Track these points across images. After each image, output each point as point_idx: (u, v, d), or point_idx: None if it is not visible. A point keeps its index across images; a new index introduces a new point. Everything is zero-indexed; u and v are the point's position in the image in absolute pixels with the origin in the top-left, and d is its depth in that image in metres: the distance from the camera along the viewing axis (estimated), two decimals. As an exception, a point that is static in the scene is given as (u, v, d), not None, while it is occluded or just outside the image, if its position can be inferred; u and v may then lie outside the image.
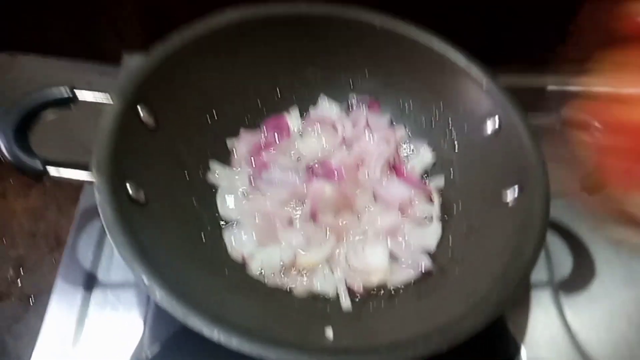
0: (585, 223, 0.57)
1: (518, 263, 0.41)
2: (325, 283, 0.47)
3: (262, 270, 0.47)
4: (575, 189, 0.39)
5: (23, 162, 0.41)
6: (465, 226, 0.50)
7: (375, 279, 0.48)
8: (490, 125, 0.51)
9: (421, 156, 0.56)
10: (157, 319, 0.46)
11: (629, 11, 0.34)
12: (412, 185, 0.53)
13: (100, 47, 0.78)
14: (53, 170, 0.42)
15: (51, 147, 0.67)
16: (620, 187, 0.34)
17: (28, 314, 0.64)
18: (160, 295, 0.36)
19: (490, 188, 0.49)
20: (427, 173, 0.56)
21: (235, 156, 0.55)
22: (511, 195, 0.47)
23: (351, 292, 0.47)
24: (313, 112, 0.58)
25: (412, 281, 0.48)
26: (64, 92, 0.45)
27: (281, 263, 0.48)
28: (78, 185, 0.45)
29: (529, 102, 0.48)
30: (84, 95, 0.46)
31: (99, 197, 0.40)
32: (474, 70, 0.51)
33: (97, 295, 0.49)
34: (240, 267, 0.48)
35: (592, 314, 0.52)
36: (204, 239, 0.48)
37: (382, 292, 0.48)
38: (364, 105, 0.58)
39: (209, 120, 0.54)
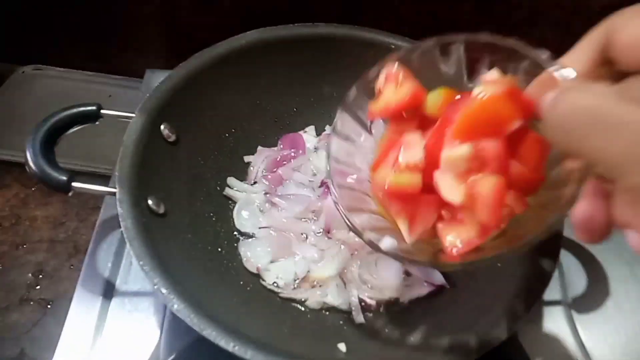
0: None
1: (531, 280, 0.42)
2: (338, 297, 0.47)
3: (277, 283, 0.48)
4: None
5: (49, 174, 0.43)
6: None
7: (388, 294, 0.48)
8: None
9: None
10: (174, 328, 0.47)
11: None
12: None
13: (124, 64, 0.80)
14: (77, 185, 0.43)
15: (76, 157, 0.69)
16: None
17: (46, 318, 0.65)
18: (177, 306, 0.37)
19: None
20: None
21: (252, 171, 0.56)
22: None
23: (364, 306, 0.47)
24: (329, 129, 0.59)
25: (425, 297, 0.48)
26: (90, 108, 0.47)
27: (295, 276, 0.48)
28: (97, 194, 0.47)
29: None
30: (109, 111, 0.47)
31: (121, 209, 0.41)
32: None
33: (115, 303, 0.50)
34: (255, 279, 0.49)
35: (606, 333, 0.52)
36: (220, 251, 0.49)
37: (395, 306, 0.48)
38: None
39: (227, 136, 0.55)
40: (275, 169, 0.55)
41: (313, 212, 0.52)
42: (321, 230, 0.51)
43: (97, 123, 0.48)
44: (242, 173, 0.56)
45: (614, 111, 0.20)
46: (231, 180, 0.54)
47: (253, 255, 0.49)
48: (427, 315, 0.47)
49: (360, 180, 0.36)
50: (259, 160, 0.56)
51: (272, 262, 0.49)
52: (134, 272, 0.52)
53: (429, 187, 0.30)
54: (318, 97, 0.59)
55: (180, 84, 0.50)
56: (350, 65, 0.56)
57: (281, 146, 0.58)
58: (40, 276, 0.68)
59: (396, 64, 0.33)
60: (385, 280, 0.48)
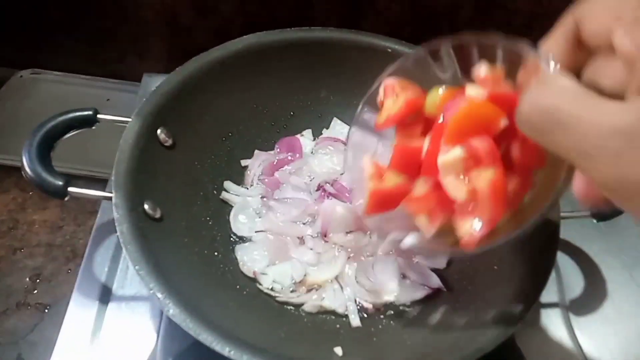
0: (598, 243, 0.56)
1: (529, 283, 0.42)
2: (335, 300, 0.47)
3: (273, 287, 0.48)
4: None
5: (45, 179, 0.43)
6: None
7: (384, 297, 0.48)
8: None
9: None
10: (170, 332, 0.47)
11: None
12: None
13: (123, 68, 0.80)
14: (74, 190, 0.43)
15: (73, 162, 0.69)
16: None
17: (44, 323, 0.65)
18: (173, 311, 0.37)
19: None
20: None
21: (249, 175, 0.56)
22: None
23: (361, 310, 0.47)
24: (326, 133, 0.59)
25: (422, 300, 0.48)
26: (87, 113, 0.47)
27: (292, 279, 0.48)
28: (95, 199, 0.47)
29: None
30: (106, 116, 0.47)
31: (117, 214, 0.41)
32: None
33: (112, 307, 0.50)
34: (252, 283, 0.49)
35: (603, 335, 0.52)
36: (217, 255, 0.49)
37: (392, 309, 0.48)
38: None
39: (224, 140, 0.55)
40: (272, 173, 0.55)
41: (310, 215, 0.52)
42: (318, 233, 0.51)
43: (93, 128, 0.48)
44: (239, 177, 0.56)
45: (569, 111, 0.22)
46: (228, 184, 0.54)
47: (250, 259, 0.49)
48: (423, 319, 0.47)
49: None
50: (255, 163, 0.56)
51: (268, 266, 0.49)
52: (131, 277, 0.52)
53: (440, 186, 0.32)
54: (315, 101, 0.59)
55: (177, 88, 0.50)
56: (347, 69, 0.57)
57: (278, 150, 0.58)
58: (38, 280, 0.68)
59: (392, 77, 0.36)
60: (382, 284, 0.48)
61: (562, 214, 0.45)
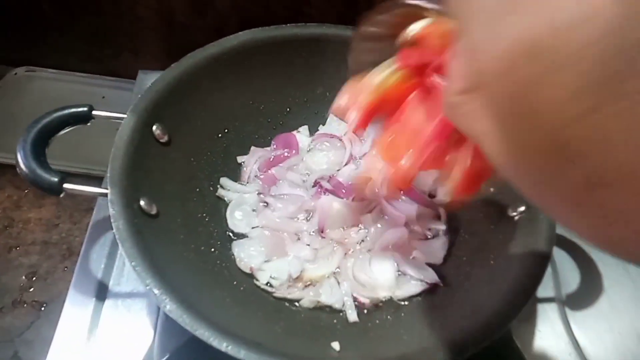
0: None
1: (524, 277, 0.42)
2: (332, 295, 0.48)
3: (270, 283, 0.48)
4: None
5: (40, 176, 0.43)
6: (472, 241, 0.51)
7: (381, 293, 0.48)
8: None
9: (428, 172, 0.57)
10: (167, 328, 0.47)
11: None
12: (419, 201, 0.54)
13: (119, 66, 0.80)
14: (69, 186, 0.43)
15: (68, 158, 0.69)
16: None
17: (40, 320, 0.65)
18: (170, 307, 0.37)
19: (496, 203, 0.49)
20: (435, 188, 0.57)
21: (245, 172, 0.56)
22: (517, 209, 0.47)
23: (358, 305, 0.48)
24: (322, 129, 0.59)
25: (419, 295, 0.48)
26: (82, 109, 0.47)
27: (289, 275, 0.48)
28: (90, 196, 0.47)
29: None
30: (101, 112, 0.47)
31: (113, 210, 0.41)
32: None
33: (108, 304, 0.50)
34: (249, 279, 0.49)
35: (599, 329, 0.52)
36: (213, 252, 0.49)
37: (389, 305, 0.48)
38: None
39: (220, 137, 0.55)
40: (268, 169, 0.55)
41: (306, 211, 0.52)
42: (315, 229, 0.51)
43: (89, 124, 0.48)
44: (235, 173, 0.56)
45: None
46: (224, 181, 0.54)
47: (246, 255, 0.49)
48: (420, 314, 0.47)
49: None
50: (252, 160, 0.56)
51: (265, 262, 0.49)
52: (127, 273, 0.52)
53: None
54: (311, 97, 0.59)
55: (173, 84, 0.50)
56: (343, 66, 0.56)
57: (274, 146, 0.58)
58: (34, 278, 0.68)
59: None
60: (379, 279, 0.48)
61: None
